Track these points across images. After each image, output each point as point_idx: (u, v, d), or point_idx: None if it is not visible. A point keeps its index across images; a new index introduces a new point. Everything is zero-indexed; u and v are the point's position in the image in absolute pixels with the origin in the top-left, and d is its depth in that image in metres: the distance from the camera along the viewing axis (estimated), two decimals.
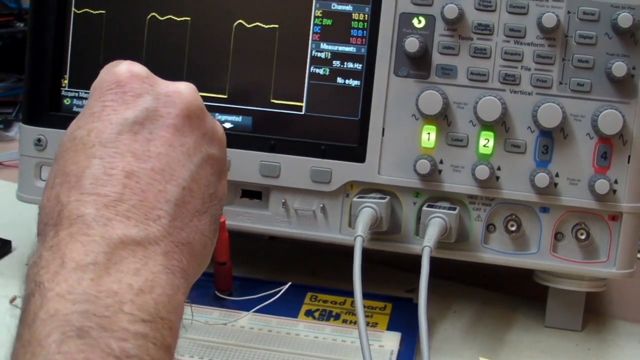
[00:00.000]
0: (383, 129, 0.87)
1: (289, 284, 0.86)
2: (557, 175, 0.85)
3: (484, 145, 0.85)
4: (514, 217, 0.87)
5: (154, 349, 0.49)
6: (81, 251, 0.51)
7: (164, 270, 0.53)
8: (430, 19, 0.85)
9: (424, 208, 0.86)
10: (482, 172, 0.84)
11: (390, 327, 0.86)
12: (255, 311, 0.85)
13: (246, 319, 0.84)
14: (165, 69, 0.88)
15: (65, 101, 0.93)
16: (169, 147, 0.57)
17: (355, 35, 0.87)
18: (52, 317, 0.48)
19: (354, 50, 0.88)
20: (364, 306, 0.76)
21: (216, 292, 0.89)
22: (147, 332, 0.49)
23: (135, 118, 0.57)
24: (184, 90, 0.60)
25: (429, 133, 0.86)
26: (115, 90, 0.59)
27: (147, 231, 0.54)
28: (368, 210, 0.85)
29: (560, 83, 0.84)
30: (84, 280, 0.50)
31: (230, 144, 0.88)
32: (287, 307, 0.87)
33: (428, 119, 0.86)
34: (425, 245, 0.81)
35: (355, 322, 0.85)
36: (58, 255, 0.51)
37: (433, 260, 0.80)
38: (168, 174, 0.56)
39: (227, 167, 0.64)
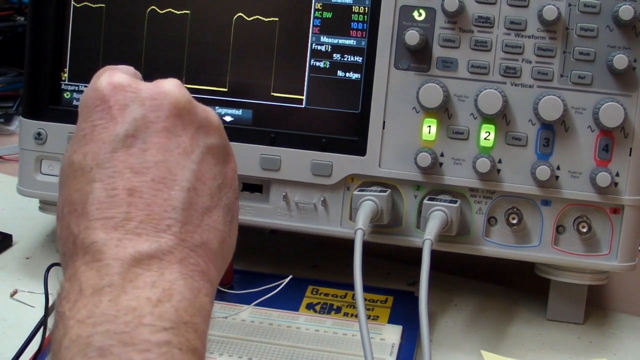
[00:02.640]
0: (384, 122, 0.87)
1: (290, 277, 0.86)
2: (558, 168, 0.85)
3: (485, 138, 0.85)
4: (515, 210, 0.87)
5: (179, 353, 0.49)
6: (96, 277, 0.51)
7: (181, 277, 0.53)
8: (430, 12, 0.85)
9: (425, 201, 0.86)
10: (483, 165, 0.84)
11: (392, 321, 0.86)
12: (256, 304, 0.85)
13: (247, 313, 0.84)
14: (165, 63, 0.88)
15: (65, 95, 0.93)
16: (165, 152, 0.57)
17: (355, 28, 0.87)
18: (74, 342, 0.48)
19: (354, 43, 0.87)
20: (365, 299, 0.76)
21: (217, 285, 0.89)
22: (170, 339, 0.50)
23: (126, 131, 0.57)
24: (169, 89, 0.59)
25: (429, 126, 0.86)
26: (101, 107, 0.58)
27: (159, 243, 0.53)
28: (369, 203, 0.84)
29: (561, 76, 0.84)
30: (102, 302, 0.50)
31: (230, 138, 0.88)
32: (288, 301, 0.87)
33: (429, 112, 0.86)
34: (426, 238, 0.81)
35: (356, 316, 0.85)
36: (76, 285, 0.51)
37: (434, 253, 0.80)
38: (170, 180, 0.56)
39: (231, 148, 0.63)
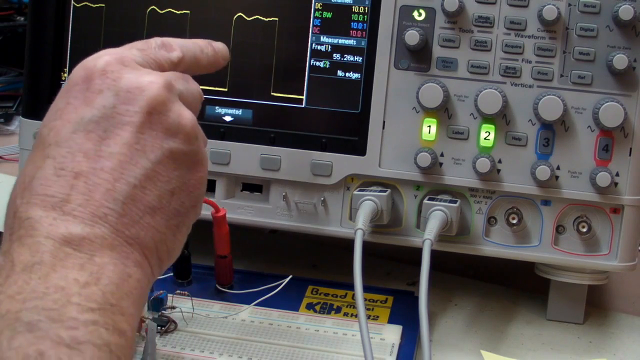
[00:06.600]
0: (384, 122, 0.87)
1: (290, 277, 0.86)
2: (558, 168, 0.85)
3: (485, 138, 0.85)
4: (515, 210, 0.87)
5: (106, 333, 0.51)
6: (27, 253, 0.53)
7: (111, 262, 0.54)
8: (430, 12, 0.85)
9: (425, 201, 0.86)
10: (483, 165, 0.84)
11: (392, 320, 0.86)
12: (256, 304, 0.85)
13: (247, 312, 0.84)
14: None
15: None
16: (122, 145, 0.57)
17: (355, 28, 0.87)
18: (3, 317, 0.50)
19: (354, 43, 0.87)
20: (365, 299, 0.76)
21: (217, 285, 0.89)
22: (96, 319, 0.51)
23: (92, 116, 0.58)
24: (147, 85, 0.59)
25: (429, 126, 0.86)
26: (80, 87, 0.59)
27: (93, 228, 0.55)
28: (369, 203, 0.84)
29: (561, 76, 0.84)
30: (32, 280, 0.51)
31: (230, 137, 0.89)
32: (288, 300, 0.87)
33: (429, 111, 0.86)
34: (426, 238, 0.81)
35: (356, 316, 0.85)
36: (9, 260, 0.53)
37: (434, 253, 0.80)
38: (118, 172, 0.57)
39: (202, 158, 0.63)
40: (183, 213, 0.61)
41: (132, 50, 0.63)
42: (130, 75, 0.60)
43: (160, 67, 0.64)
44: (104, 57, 0.61)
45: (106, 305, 0.52)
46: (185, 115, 0.61)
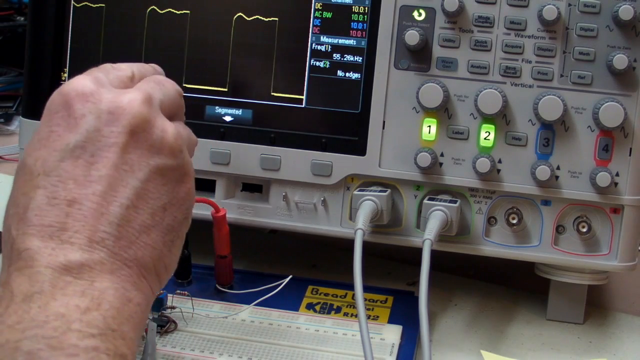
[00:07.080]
0: (384, 122, 0.87)
1: (290, 277, 0.85)
2: (558, 168, 0.85)
3: (485, 138, 0.85)
4: (515, 210, 0.87)
5: (107, 359, 0.51)
6: (27, 283, 0.53)
7: (111, 286, 0.55)
8: (430, 12, 0.85)
9: (425, 201, 0.86)
10: (483, 165, 0.84)
11: (392, 320, 0.86)
12: (256, 304, 0.84)
13: (247, 312, 0.84)
14: (165, 63, 0.88)
15: None
16: (110, 167, 0.58)
17: (355, 28, 0.87)
18: (3, 346, 0.50)
19: (354, 43, 0.87)
20: (365, 299, 0.76)
21: (217, 285, 0.89)
22: (97, 344, 0.51)
23: (77, 142, 0.58)
24: (127, 104, 0.60)
25: (429, 126, 0.86)
26: (62, 114, 0.59)
27: (91, 254, 0.55)
28: (369, 203, 0.84)
29: (561, 76, 0.84)
30: (32, 309, 0.51)
31: (230, 138, 0.89)
32: (288, 300, 0.87)
33: (429, 111, 0.86)
34: (426, 238, 0.81)
35: (356, 315, 0.85)
36: (8, 290, 0.53)
37: (434, 253, 0.80)
38: (110, 195, 0.57)
39: (188, 170, 0.63)
40: (176, 227, 0.61)
41: (98, 74, 0.63)
42: (110, 96, 0.60)
43: (124, 84, 0.64)
44: (80, 81, 0.61)
45: (107, 330, 0.52)
46: (168, 130, 0.62)
